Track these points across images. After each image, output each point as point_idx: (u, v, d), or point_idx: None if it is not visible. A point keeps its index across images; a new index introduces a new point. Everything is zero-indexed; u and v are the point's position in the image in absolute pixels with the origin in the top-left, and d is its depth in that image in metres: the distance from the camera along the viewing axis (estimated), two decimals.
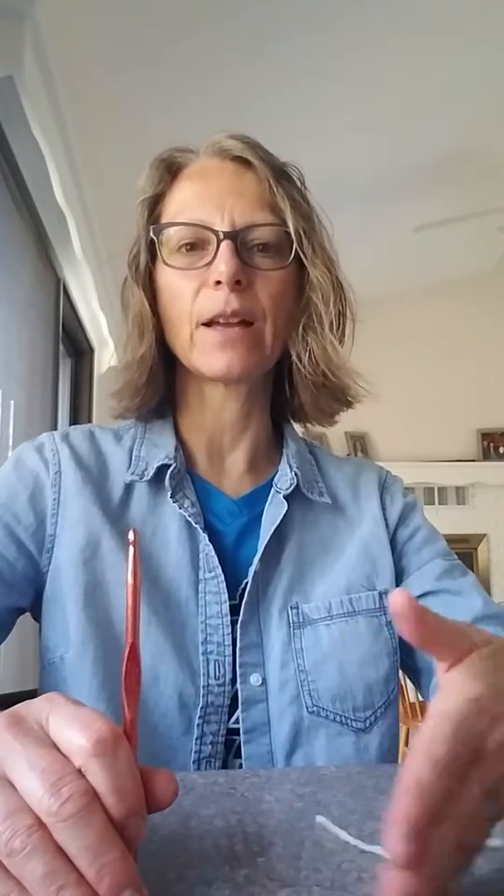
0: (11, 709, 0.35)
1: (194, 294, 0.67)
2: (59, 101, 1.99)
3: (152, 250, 0.71)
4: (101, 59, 1.98)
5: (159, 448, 0.73)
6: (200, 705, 0.63)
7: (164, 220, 0.71)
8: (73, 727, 0.33)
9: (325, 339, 0.72)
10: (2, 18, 1.65)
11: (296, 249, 0.69)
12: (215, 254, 0.66)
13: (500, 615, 0.72)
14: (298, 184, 0.72)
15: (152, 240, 0.70)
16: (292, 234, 0.68)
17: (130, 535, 0.38)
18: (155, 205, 0.72)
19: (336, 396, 0.75)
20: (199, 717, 0.63)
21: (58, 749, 0.33)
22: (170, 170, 0.73)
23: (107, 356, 3.21)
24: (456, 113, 2.79)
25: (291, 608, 0.68)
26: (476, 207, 3.38)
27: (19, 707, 0.36)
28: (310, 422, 0.79)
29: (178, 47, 2.03)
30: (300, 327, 0.73)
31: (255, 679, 0.65)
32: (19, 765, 0.32)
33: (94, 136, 2.23)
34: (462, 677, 0.36)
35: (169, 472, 0.70)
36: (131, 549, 0.38)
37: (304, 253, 0.70)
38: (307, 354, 0.73)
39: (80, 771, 0.32)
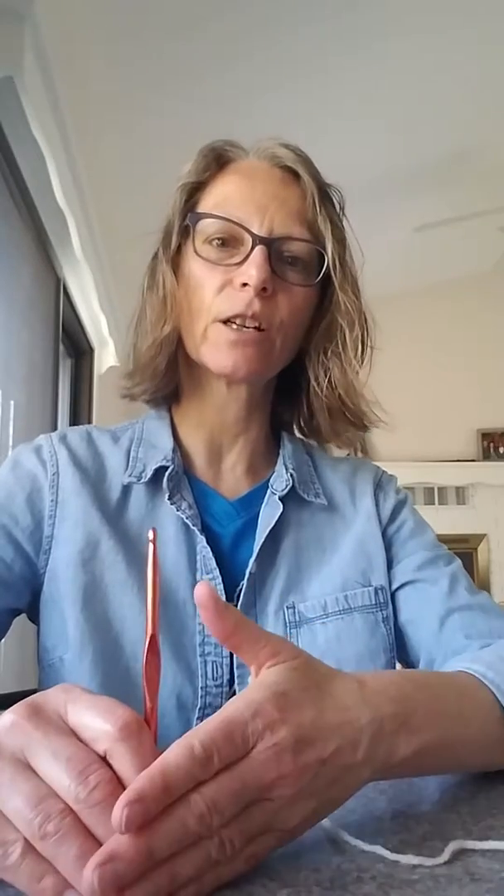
0: (28, 699, 0.36)
1: (217, 290, 0.67)
2: (59, 101, 1.99)
3: (184, 235, 0.71)
4: (101, 59, 1.98)
5: (157, 449, 0.73)
6: (199, 706, 0.63)
7: (202, 209, 0.71)
8: (96, 713, 0.34)
9: (347, 364, 0.73)
10: (2, 18, 1.65)
11: (326, 270, 0.69)
12: (247, 256, 0.66)
13: (475, 605, 0.71)
14: (338, 208, 0.73)
15: (186, 225, 0.70)
16: (328, 256, 0.69)
17: (150, 534, 0.40)
18: (195, 192, 0.72)
19: (352, 421, 0.76)
20: (197, 719, 0.63)
21: (78, 738, 0.34)
22: (218, 161, 0.72)
23: (107, 356, 3.20)
24: (456, 113, 2.79)
25: (287, 608, 0.68)
26: (476, 207, 3.38)
27: (36, 697, 0.36)
28: (326, 443, 0.80)
29: (178, 47, 2.03)
30: (321, 350, 0.74)
31: (252, 680, 0.66)
32: (42, 753, 0.33)
33: (94, 136, 2.22)
34: (253, 684, 0.37)
35: (166, 473, 0.70)
36: (150, 545, 0.39)
37: (335, 276, 0.70)
38: (326, 378, 0.73)
39: (102, 759, 0.33)
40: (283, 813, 0.35)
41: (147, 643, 0.38)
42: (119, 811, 0.30)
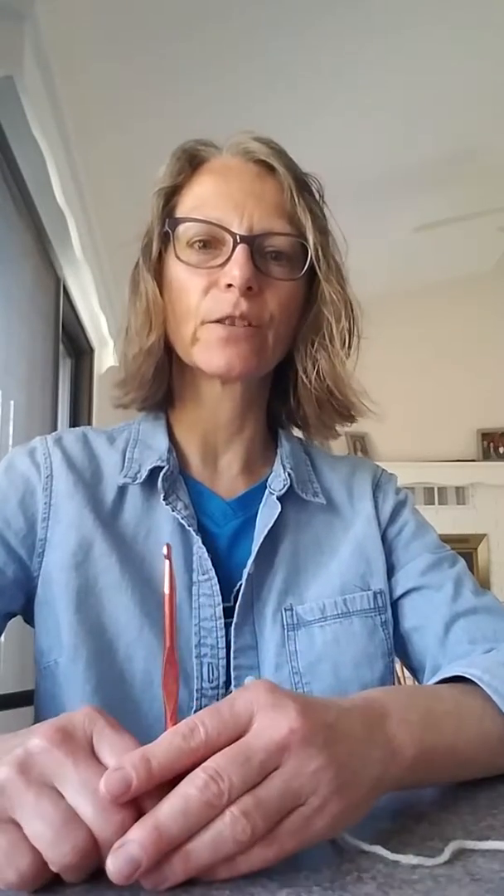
0: (57, 723, 0.36)
1: (203, 292, 0.66)
2: (59, 101, 1.99)
3: (165, 241, 0.70)
4: (101, 59, 1.98)
5: (152, 450, 0.72)
6: (194, 709, 0.63)
7: (180, 212, 0.70)
8: (116, 755, 0.34)
9: (335, 356, 0.72)
10: (2, 18, 1.65)
11: (310, 262, 0.68)
12: (230, 256, 0.65)
13: (480, 608, 0.71)
14: (317, 196, 0.72)
15: (166, 231, 0.70)
16: (310, 247, 0.68)
17: (164, 549, 0.41)
18: (172, 195, 0.71)
19: (339, 412, 0.75)
20: None
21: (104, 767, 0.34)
22: (191, 162, 0.72)
23: (107, 356, 3.20)
24: (456, 113, 2.79)
25: (286, 610, 0.68)
26: (476, 207, 3.38)
27: (64, 722, 0.36)
28: (312, 435, 0.79)
29: (178, 47, 2.03)
30: (308, 342, 0.73)
31: (249, 682, 0.65)
32: (71, 782, 0.33)
33: (94, 136, 2.22)
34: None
35: (161, 474, 0.70)
36: (166, 562, 0.40)
37: (319, 268, 0.70)
38: (314, 369, 0.73)
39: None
40: (301, 779, 0.34)
41: (165, 655, 0.39)
42: (102, 781, 0.32)
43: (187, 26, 1.97)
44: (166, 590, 0.40)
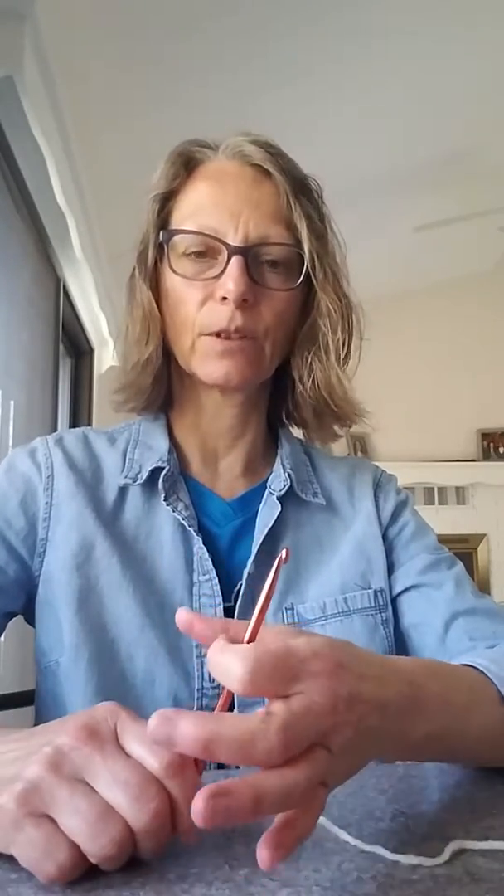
0: (81, 720, 0.36)
1: (199, 305, 0.66)
2: (59, 101, 1.99)
3: (160, 250, 0.70)
4: (101, 59, 1.98)
5: (153, 451, 0.72)
6: (195, 708, 0.63)
7: (175, 218, 0.70)
8: (144, 747, 0.35)
9: (330, 368, 0.72)
10: (2, 18, 1.65)
11: (306, 272, 0.68)
12: (225, 267, 0.65)
13: (479, 608, 0.71)
14: (316, 197, 0.71)
15: (161, 242, 0.69)
16: (306, 257, 0.67)
17: (283, 553, 0.39)
18: (167, 201, 0.71)
19: (337, 417, 0.76)
20: None
21: (132, 758, 0.35)
22: (186, 166, 0.71)
23: (107, 356, 3.21)
24: (456, 113, 2.79)
25: (286, 609, 0.68)
26: (476, 207, 3.38)
27: (87, 719, 0.37)
28: (312, 436, 0.79)
29: (178, 47, 2.03)
30: (304, 350, 0.72)
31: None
32: (102, 776, 0.34)
33: (94, 136, 2.22)
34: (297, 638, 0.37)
35: (162, 474, 0.70)
36: (276, 562, 0.38)
37: (315, 277, 0.69)
38: (310, 380, 0.72)
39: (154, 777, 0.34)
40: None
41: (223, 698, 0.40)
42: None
43: (187, 26, 1.97)
44: (267, 585, 0.38)
